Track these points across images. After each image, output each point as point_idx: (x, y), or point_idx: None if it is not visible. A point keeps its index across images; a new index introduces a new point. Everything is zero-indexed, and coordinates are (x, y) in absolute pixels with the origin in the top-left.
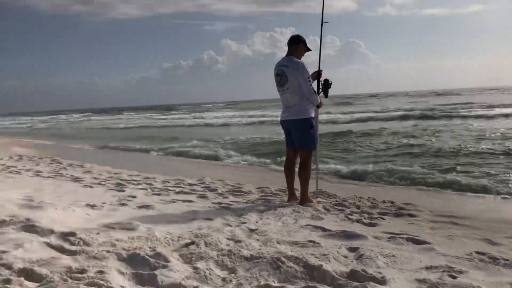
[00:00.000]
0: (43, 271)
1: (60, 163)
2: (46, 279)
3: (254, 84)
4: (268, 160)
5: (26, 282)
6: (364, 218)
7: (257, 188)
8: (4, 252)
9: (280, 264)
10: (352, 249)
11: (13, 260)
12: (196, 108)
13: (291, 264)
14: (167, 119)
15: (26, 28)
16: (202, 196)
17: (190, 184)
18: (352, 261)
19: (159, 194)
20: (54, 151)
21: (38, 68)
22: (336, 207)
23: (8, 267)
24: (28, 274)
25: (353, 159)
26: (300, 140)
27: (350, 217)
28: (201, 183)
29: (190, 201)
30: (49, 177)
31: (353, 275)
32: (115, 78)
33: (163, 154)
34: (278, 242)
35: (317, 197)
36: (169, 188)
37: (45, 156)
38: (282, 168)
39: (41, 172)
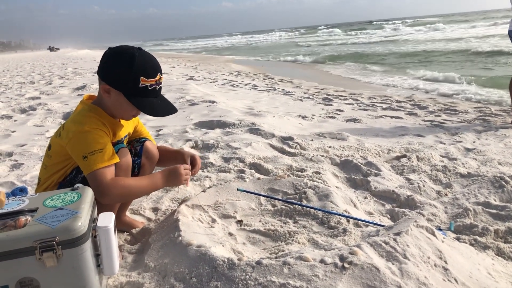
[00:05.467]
0: (269, 166)
1: (272, 78)
2: (272, 173)
3: None
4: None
5: (257, 174)
6: None
7: (474, 107)
8: (237, 148)
9: (504, 183)
10: None
11: (245, 156)
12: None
13: None
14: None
15: None
16: (411, 113)
17: (397, 101)
18: None
19: (366, 109)
20: (265, 67)
21: None
22: None
23: (242, 160)
24: (257, 167)
25: None
26: None
27: None
28: (409, 101)
29: (399, 118)
30: (263, 90)
31: None
32: None
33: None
34: (499, 163)
35: None
36: (376, 104)
37: (259, 72)
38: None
39: (257, 86)
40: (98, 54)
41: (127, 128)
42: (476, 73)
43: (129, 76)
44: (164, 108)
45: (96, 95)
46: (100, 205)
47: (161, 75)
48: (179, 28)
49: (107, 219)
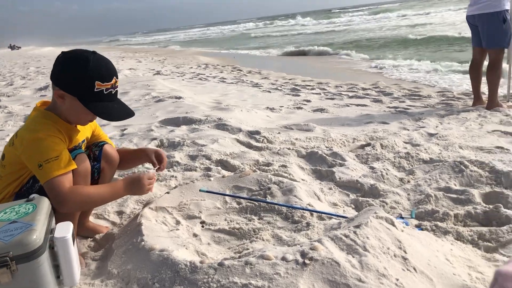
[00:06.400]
0: (236, 162)
1: (241, 70)
2: (239, 169)
3: None
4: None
5: (223, 171)
6: None
7: (437, 92)
8: (204, 145)
9: (463, 168)
10: None
11: (211, 152)
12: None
13: (475, 168)
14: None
15: None
16: (377, 100)
17: (363, 89)
18: None
19: (332, 99)
20: (232, 59)
21: None
22: None
23: (208, 158)
24: (223, 164)
25: None
26: (489, 38)
27: None
28: (375, 88)
29: (364, 105)
30: (232, 83)
31: None
32: None
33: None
34: (460, 147)
35: (508, 101)
36: (342, 92)
37: (227, 64)
38: (466, 70)
39: (225, 78)
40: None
41: (84, 133)
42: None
43: (83, 81)
44: (120, 112)
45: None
46: (60, 213)
47: (117, 78)
48: (145, 22)
49: (65, 229)
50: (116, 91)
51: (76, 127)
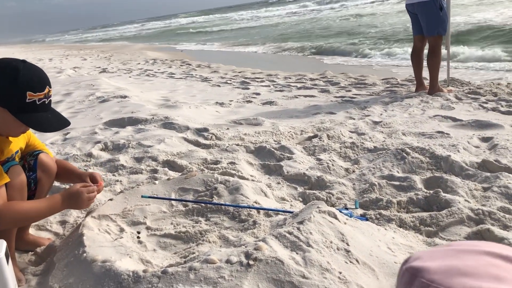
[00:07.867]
0: (183, 162)
1: (190, 64)
2: (186, 169)
3: None
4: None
5: (170, 172)
6: (501, 106)
7: (382, 79)
8: (150, 146)
9: (405, 155)
10: (485, 139)
11: (158, 153)
12: None
13: (416, 155)
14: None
15: None
16: (324, 91)
17: (311, 79)
18: (484, 151)
19: (281, 91)
20: (182, 53)
21: None
22: (470, 95)
23: (154, 159)
24: (170, 165)
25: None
26: (428, 25)
27: (485, 105)
28: (322, 78)
29: (312, 96)
30: (181, 78)
31: (484, 165)
32: None
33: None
34: (403, 134)
35: (448, 86)
36: (291, 84)
37: (176, 58)
38: (409, 57)
39: (174, 74)
40: (1, 51)
41: (17, 143)
42: None
43: (14, 92)
44: (55, 123)
45: None
46: None
47: (50, 87)
48: (86, 18)
49: None
50: (50, 100)
51: (7, 138)
